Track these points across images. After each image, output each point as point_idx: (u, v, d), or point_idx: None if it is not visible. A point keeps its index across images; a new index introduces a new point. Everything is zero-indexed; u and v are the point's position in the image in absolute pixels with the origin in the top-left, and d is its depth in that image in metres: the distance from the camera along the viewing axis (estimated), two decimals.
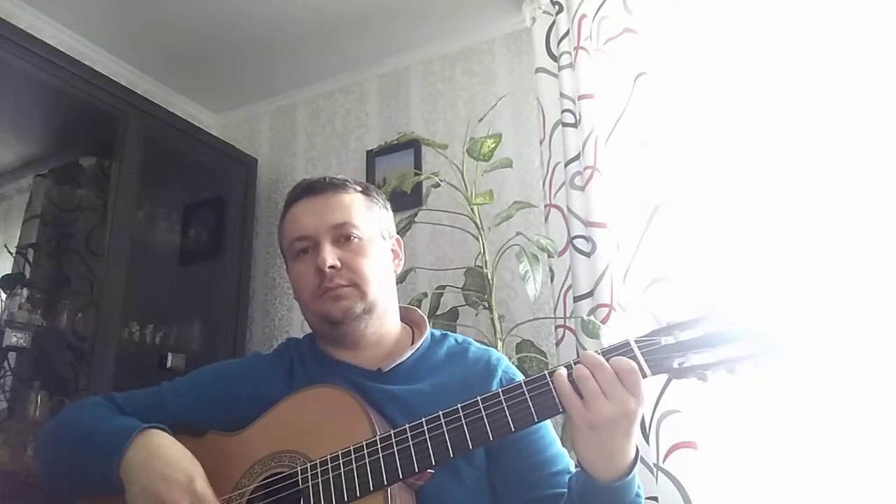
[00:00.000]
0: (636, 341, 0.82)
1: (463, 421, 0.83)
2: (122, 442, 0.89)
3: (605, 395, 0.79)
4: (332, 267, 0.99)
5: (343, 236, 1.02)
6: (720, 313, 0.82)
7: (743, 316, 0.80)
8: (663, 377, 0.83)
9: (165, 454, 0.89)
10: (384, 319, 1.07)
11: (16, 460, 1.82)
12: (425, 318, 1.14)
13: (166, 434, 0.92)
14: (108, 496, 0.91)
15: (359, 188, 1.09)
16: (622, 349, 0.82)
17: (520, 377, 0.91)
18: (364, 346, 1.05)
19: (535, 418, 0.82)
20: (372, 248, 1.04)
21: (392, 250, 1.12)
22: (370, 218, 1.07)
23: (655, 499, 1.61)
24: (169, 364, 2.26)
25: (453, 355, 1.08)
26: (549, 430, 1.03)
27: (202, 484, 0.86)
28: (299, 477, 0.88)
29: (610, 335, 1.60)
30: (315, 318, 1.04)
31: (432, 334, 1.12)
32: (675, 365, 0.81)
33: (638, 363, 0.80)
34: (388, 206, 1.14)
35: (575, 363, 0.82)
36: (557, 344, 1.88)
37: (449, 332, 1.15)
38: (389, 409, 0.95)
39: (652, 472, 1.64)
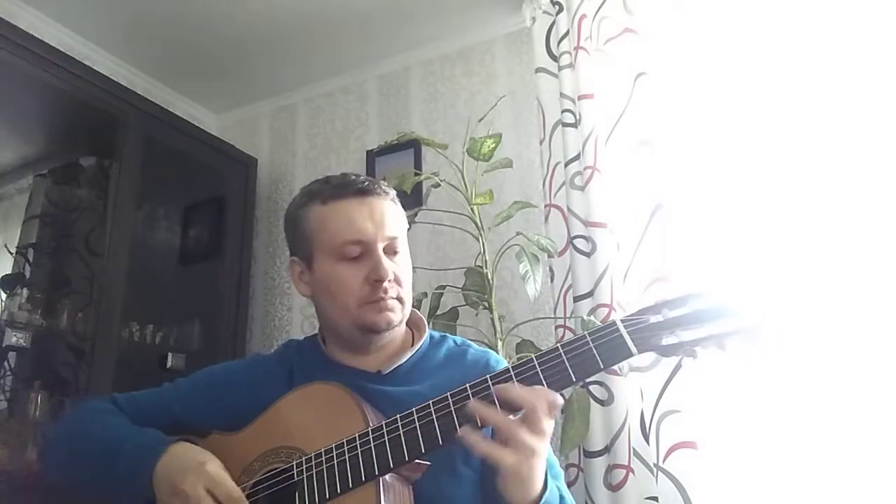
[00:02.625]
0: (622, 321, 0.83)
1: (452, 408, 0.84)
2: (151, 458, 0.91)
3: (506, 443, 0.80)
4: (391, 279, 1.00)
5: (392, 249, 1.03)
6: (710, 291, 0.81)
7: (733, 292, 0.80)
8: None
9: (186, 454, 0.92)
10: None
11: (16, 460, 1.82)
12: (424, 319, 1.14)
13: (190, 444, 0.95)
14: None
15: (393, 194, 1.09)
16: (608, 329, 0.83)
17: None
18: (373, 351, 1.06)
19: None
20: (408, 260, 1.07)
21: None
22: (405, 228, 1.08)
23: (655, 499, 1.62)
24: (169, 364, 2.26)
25: (452, 357, 1.08)
26: None
27: (213, 466, 0.88)
28: (294, 471, 0.89)
29: None
30: (349, 322, 1.02)
31: (431, 336, 1.12)
32: (663, 342, 0.80)
33: (624, 342, 0.81)
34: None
35: (477, 392, 0.83)
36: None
37: (448, 334, 1.15)
38: (388, 410, 0.95)
39: (652, 472, 1.64)
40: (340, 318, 1.03)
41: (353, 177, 1.07)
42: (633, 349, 0.81)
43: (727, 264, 1.75)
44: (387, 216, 1.03)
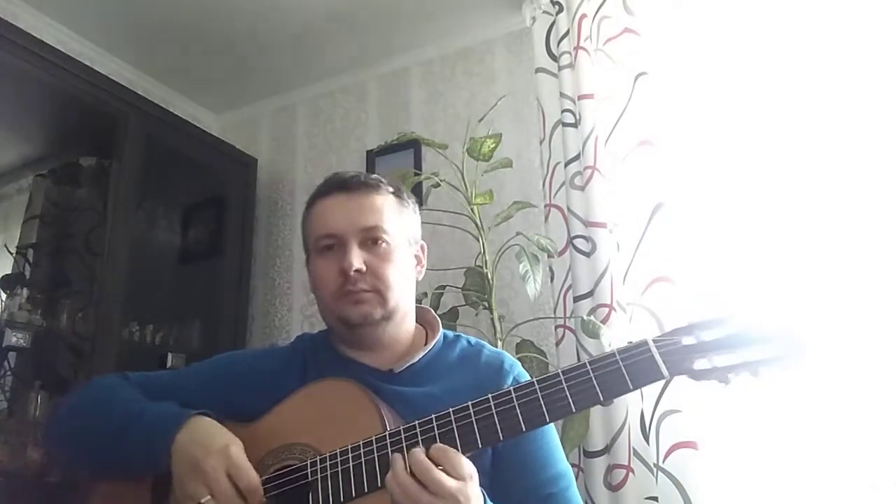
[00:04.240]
0: (654, 341, 0.79)
1: (473, 418, 0.82)
2: (171, 427, 0.91)
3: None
4: (357, 270, 0.98)
5: (371, 239, 1.01)
6: (744, 314, 0.78)
7: (768, 317, 0.77)
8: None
9: (207, 429, 0.91)
10: (401, 324, 1.06)
11: (16, 460, 1.82)
12: (438, 318, 1.13)
13: (211, 419, 0.94)
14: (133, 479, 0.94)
15: (391, 189, 1.06)
16: (639, 349, 0.80)
17: None
18: (379, 348, 1.05)
19: (547, 418, 0.81)
20: (398, 253, 1.03)
21: (415, 256, 1.11)
22: (400, 222, 1.05)
23: (655, 499, 1.62)
24: (169, 364, 2.26)
25: (466, 358, 1.07)
26: (552, 448, 1.02)
27: (236, 450, 0.88)
28: (308, 470, 0.88)
29: (610, 335, 1.60)
30: (332, 317, 1.03)
31: (445, 335, 1.11)
32: (696, 367, 0.77)
33: (655, 363, 0.78)
34: (417, 209, 1.13)
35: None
36: (557, 344, 1.88)
37: (462, 334, 1.14)
38: (399, 410, 0.94)
39: (652, 472, 1.64)
40: (325, 312, 1.05)
41: (346, 173, 1.06)
42: (665, 372, 0.77)
43: (728, 266, 1.75)
44: (365, 206, 1.02)
